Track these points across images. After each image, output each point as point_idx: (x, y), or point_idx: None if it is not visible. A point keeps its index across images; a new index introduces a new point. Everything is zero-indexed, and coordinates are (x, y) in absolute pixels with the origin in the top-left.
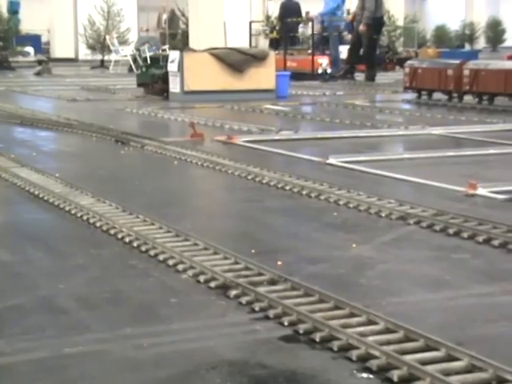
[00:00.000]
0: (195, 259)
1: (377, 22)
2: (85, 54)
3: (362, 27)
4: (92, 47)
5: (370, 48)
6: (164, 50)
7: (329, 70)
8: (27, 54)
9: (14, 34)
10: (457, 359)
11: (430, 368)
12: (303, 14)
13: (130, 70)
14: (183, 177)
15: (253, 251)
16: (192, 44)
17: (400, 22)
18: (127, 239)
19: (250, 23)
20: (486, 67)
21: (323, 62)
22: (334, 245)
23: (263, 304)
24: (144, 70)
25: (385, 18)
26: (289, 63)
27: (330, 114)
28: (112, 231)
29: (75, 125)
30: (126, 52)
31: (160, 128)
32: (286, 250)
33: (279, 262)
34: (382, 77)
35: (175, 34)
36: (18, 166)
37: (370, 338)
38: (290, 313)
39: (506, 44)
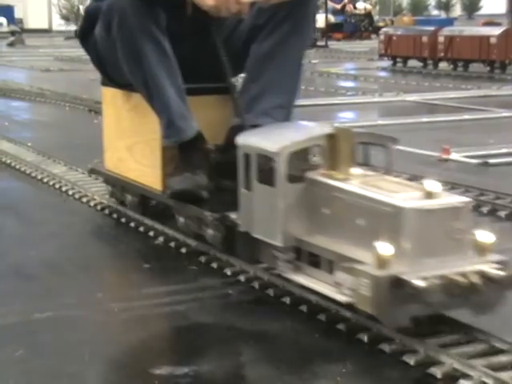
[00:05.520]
0: (168, 224)
1: None
2: (58, 24)
3: None
4: (66, 18)
5: None
6: None
7: None
8: None
9: None
10: None
11: None
12: None
13: None
14: None
15: None
16: None
17: None
18: (99, 207)
19: None
20: (460, 34)
21: None
22: None
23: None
24: None
25: None
26: None
27: (305, 82)
28: (84, 199)
29: (48, 95)
30: None
31: None
32: None
33: None
34: (357, 45)
35: None
36: None
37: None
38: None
39: (482, 12)
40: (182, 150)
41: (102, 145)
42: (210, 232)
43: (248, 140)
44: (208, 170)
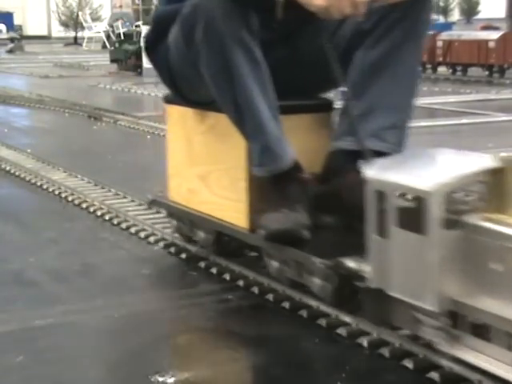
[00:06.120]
0: (167, 231)
1: None
2: (58, 30)
3: None
4: (65, 24)
5: None
6: (137, 26)
7: None
8: None
9: None
10: None
11: None
12: None
13: (104, 46)
14: (156, 151)
15: None
16: None
17: None
18: (99, 213)
19: None
20: (459, 38)
21: None
22: None
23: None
24: (117, 46)
25: None
26: None
27: None
28: (84, 205)
29: (47, 101)
30: (100, 28)
31: (133, 103)
32: None
33: None
34: None
35: (149, 10)
36: None
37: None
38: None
39: (480, 16)
40: (276, 181)
41: (166, 172)
42: (316, 282)
43: (383, 174)
44: (307, 205)
